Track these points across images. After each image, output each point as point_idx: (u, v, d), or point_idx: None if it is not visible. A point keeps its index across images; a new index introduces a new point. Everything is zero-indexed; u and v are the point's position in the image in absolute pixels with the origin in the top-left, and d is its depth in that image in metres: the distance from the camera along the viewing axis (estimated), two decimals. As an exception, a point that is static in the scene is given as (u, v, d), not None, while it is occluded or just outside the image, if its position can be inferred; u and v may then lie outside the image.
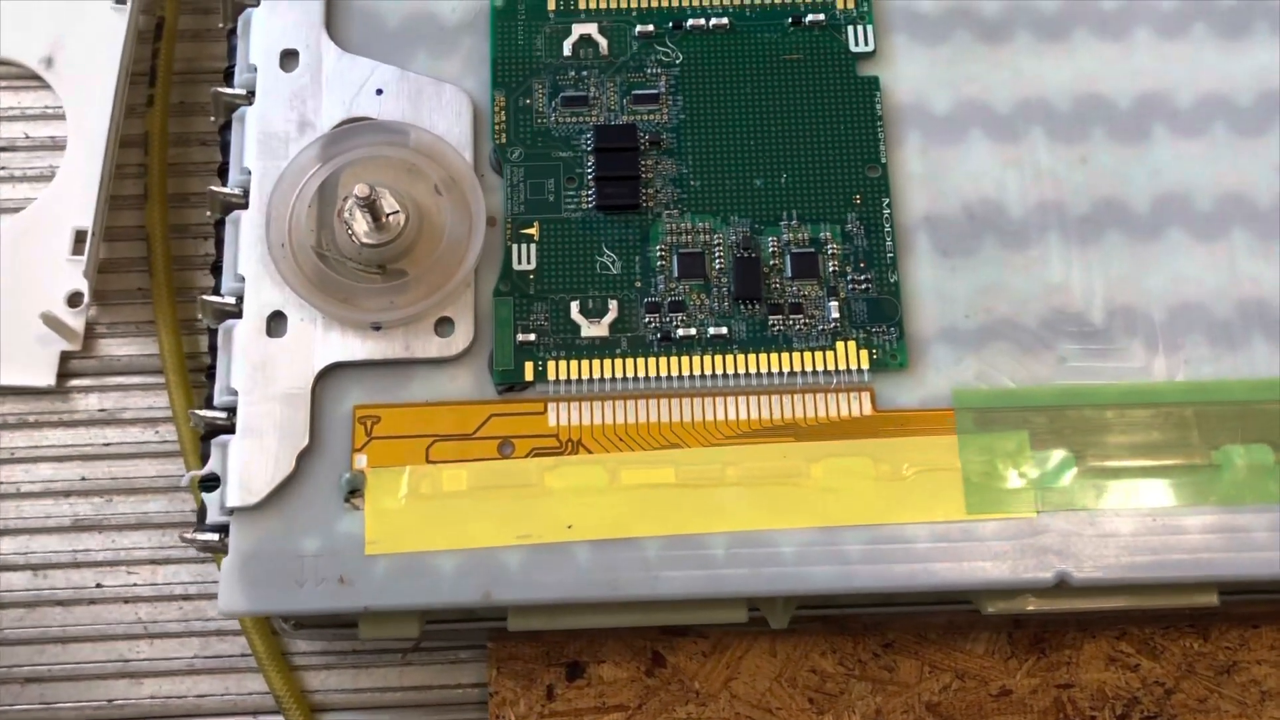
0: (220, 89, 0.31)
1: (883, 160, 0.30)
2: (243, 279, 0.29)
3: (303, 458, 0.28)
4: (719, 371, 0.29)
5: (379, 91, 0.30)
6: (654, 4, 0.31)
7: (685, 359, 0.29)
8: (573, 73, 0.31)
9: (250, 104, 0.30)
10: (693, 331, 0.29)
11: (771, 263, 0.30)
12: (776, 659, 0.32)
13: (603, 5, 0.31)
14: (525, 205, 0.30)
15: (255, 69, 0.30)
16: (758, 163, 0.30)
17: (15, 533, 0.33)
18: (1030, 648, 0.32)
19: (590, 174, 0.30)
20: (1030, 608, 0.29)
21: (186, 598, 0.33)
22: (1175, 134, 0.31)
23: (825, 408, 0.29)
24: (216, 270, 0.30)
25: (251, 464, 0.28)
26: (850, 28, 0.31)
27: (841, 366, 0.29)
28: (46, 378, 0.34)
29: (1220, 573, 0.28)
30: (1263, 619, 0.32)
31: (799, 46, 0.31)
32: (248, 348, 0.28)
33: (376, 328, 0.29)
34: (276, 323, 0.29)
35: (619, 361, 0.29)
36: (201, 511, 0.28)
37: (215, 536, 0.28)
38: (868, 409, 0.29)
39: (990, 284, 0.30)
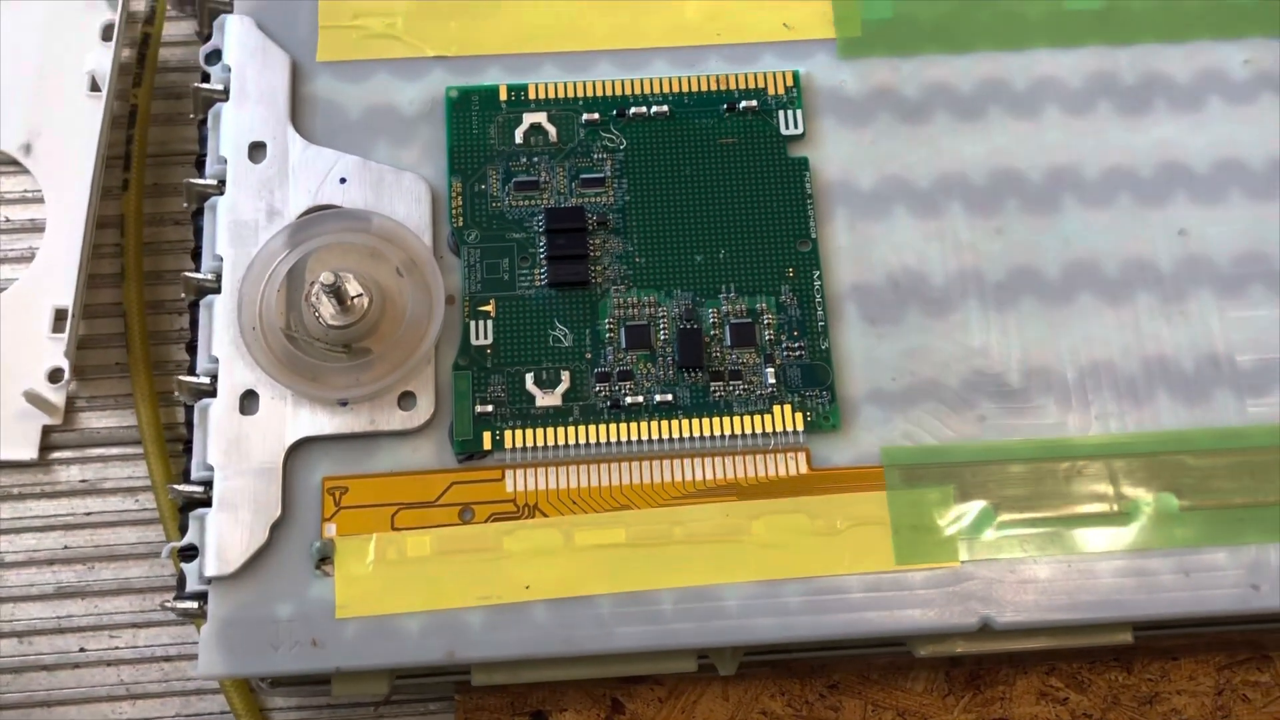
0: (192, 180, 0.33)
1: (813, 235, 0.32)
2: (217, 360, 0.31)
3: (276, 528, 0.30)
4: (665, 436, 0.31)
5: (343, 180, 0.32)
6: (599, 93, 0.33)
7: (634, 425, 0.31)
8: (524, 159, 0.33)
9: (221, 193, 0.32)
10: (640, 399, 0.31)
11: (712, 333, 0.32)
12: (729, 703, 0.34)
13: (551, 95, 0.33)
14: (482, 284, 0.32)
15: (225, 160, 0.32)
16: (698, 240, 0.32)
17: (0, 601, 0.35)
18: (966, 685, 0.34)
19: (542, 253, 0.32)
20: (959, 650, 0.31)
21: (167, 659, 0.34)
22: (1083, 205, 0.33)
23: (764, 468, 0.31)
24: (192, 349, 0.32)
25: (227, 535, 0.29)
26: (781, 112, 0.33)
27: (778, 429, 0.31)
28: (29, 451, 0.35)
29: (1131, 613, 0.30)
30: (1181, 651, 0.35)
31: (734, 131, 0.33)
32: (222, 425, 0.30)
33: (343, 403, 0.30)
34: (249, 401, 0.31)
35: (572, 429, 0.31)
36: (181, 580, 0.30)
37: (195, 604, 0.29)
38: (803, 468, 0.31)
39: (915, 348, 0.32)
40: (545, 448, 0.30)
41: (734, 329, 0.32)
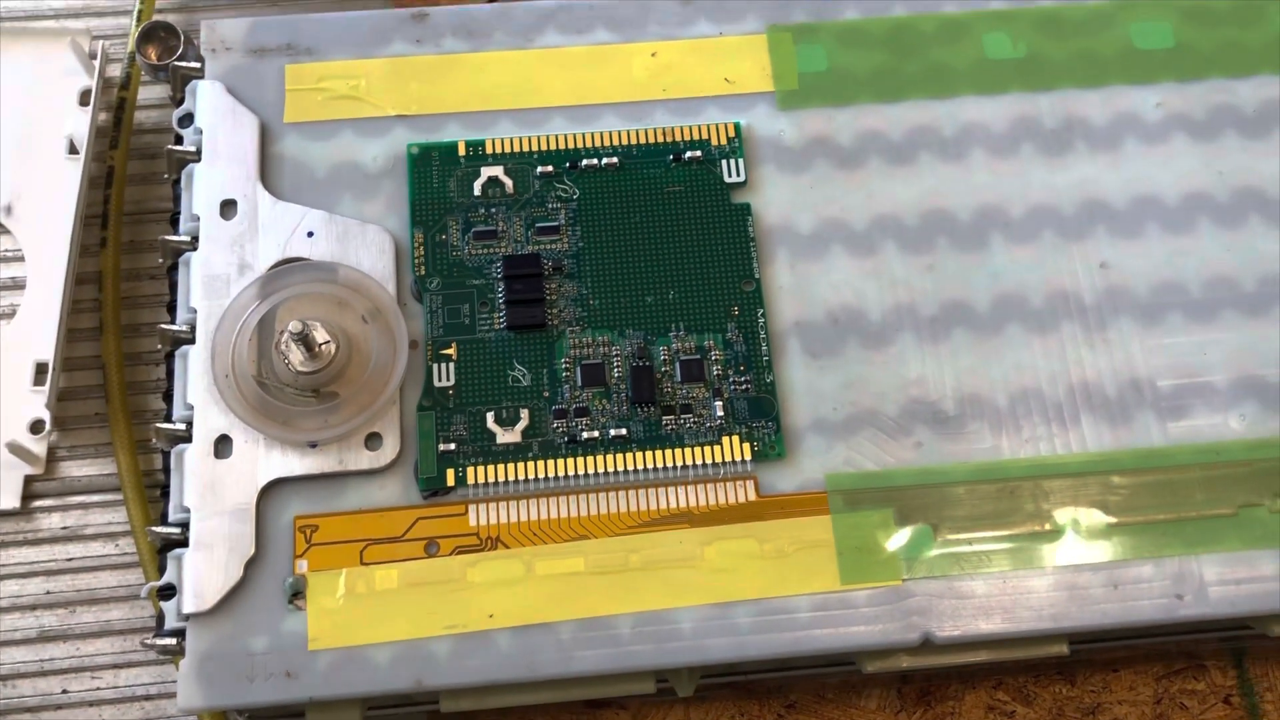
0: (167, 237, 0.34)
1: (756, 275, 0.34)
2: (191, 407, 0.32)
3: (250, 566, 0.31)
4: (620, 468, 0.32)
5: (310, 234, 0.34)
6: (552, 147, 0.35)
7: (590, 459, 0.32)
8: (483, 210, 0.35)
9: (195, 249, 0.34)
10: (596, 434, 0.33)
11: (663, 369, 0.33)
12: (690, 725, 0.35)
13: (507, 150, 0.35)
14: (444, 328, 0.34)
15: (198, 218, 0.34)
16: (648, 282, 0.34)
17: (-15, 646, 0.36)
18: (917, 701, 0.36)
19: (501, 298, 0.34)
20: (905, 665, 0.32)
21: (148, 698, 0.36)
22: (1010, 241, 0.35)
23: (714, 496, 0.32)
24: (168, 398, 0.33)
25: (204, 574, 0.31)
26: (724, 161, 0.35)
27: (727, 459, 0.33)
28: (12, 501, 0.37)
29: (1065, 625, 0.31)
30: (1121, 663, 0.36)
31: (680, 179, 0.35)
32: (198, 469, 0.32)
33: (313, 445, 0.32)
34: (223, 445, 0.32)
35: (531, 464, 0.32)
36: (160, 619, 0.31)
37: (173, 641, 0.31)
38: (752, 495, 0.32)
39: (854, 380, 0.34)
40: (506, 482, 0.32)
41: (684, 365, 0.33)
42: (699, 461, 0.32)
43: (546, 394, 0.33)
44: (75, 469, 0.38)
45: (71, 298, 0.38)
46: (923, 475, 0.33)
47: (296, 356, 0.31)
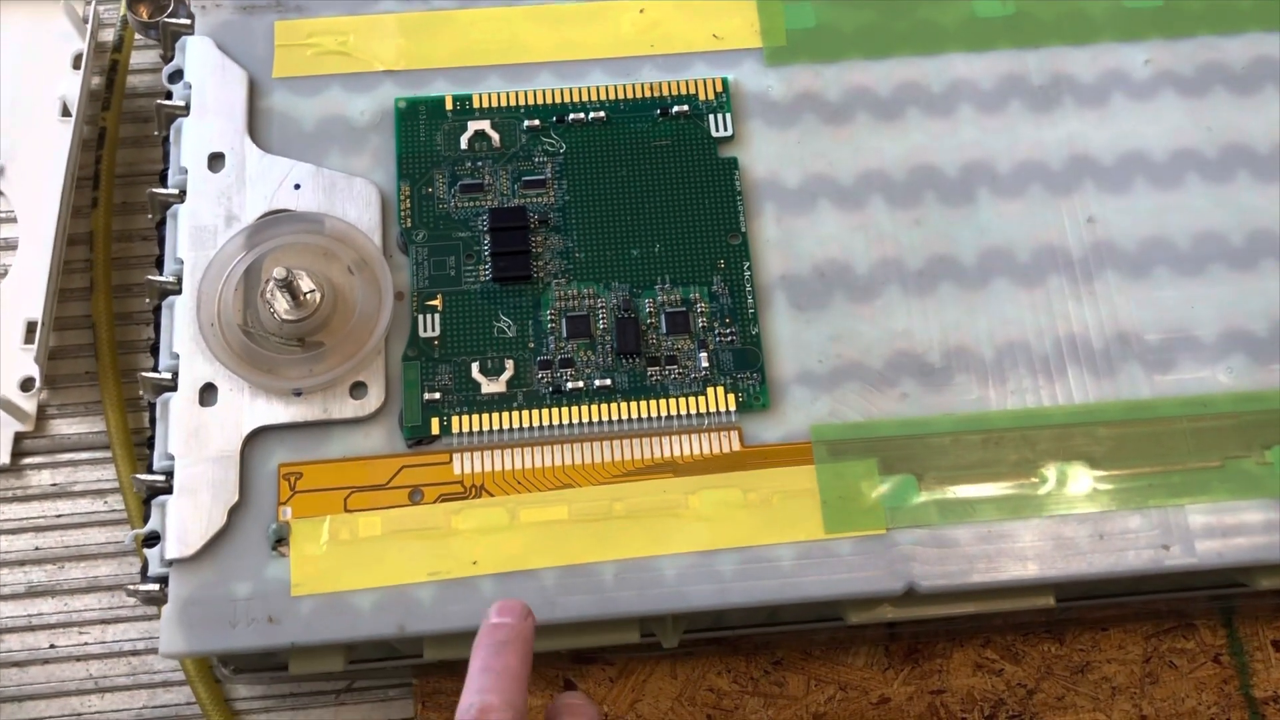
0: (155, 190, 0.34)
1: (743, 229, 0.34)
2: (177, 356, 0.32)
3: (234, 512, 0.31)
4: (605, 418, 0.32)
5: (297, 186, 0.34)
6: (539, 101, 0.35)
7: (575, 409, 0.32)
8: (469, 163, 0.35)
9: (182, 201, 0.34)
10: (581, 384, 0.33)
11: (649, 321, 0.33)
12: (677, 680, 0.35)
13: (494, 104, 0.35)
14: (429, 280, 0.34)
15: (186, 171, 0.34)
16: (634, 235, 0.34)
17: (-27, 601, 0.36)
18: (905, 658, 0.36)
19: (487, 251, 0.34)
20: (890, 615, 0.32)
21: (135, 653, 0.36)
22: (997, 196, 0.35)
23: (699, 446, 0.32)
24: (155, 351, 0.34)
25: (187, 520, 0.31)
26: (711, 116, 0.35)
27: (712, 409, 0.32)
28: (2, 457, 0.37)
29: (1050, 575, 0.31)
30: (1110, 621, 0.36)
31: (667, 134, 0.35)
32: (183, 416, 0.32)
33: (298, 394, 0.32)
34: (208, 393, 0.32)
35: (516, 414, 0.32)
36: (144, 566, 0.31)
37: (156, 587, 0.31)
38: (736, 445, 0.32)
39: (840, 333, 0.34)
40: (491, 432, 0.32)
41: (669, 317, 0.33)
42: (684, 412, 0.32)
43: (531, 345, 0.33)
44: (65, 426, 0.38)
45: (63, 258, 0.38)
46: (908, 426, 0.33)
47: (281, 304, 0.32)
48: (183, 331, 0.33)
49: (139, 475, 0.32)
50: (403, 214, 0.34)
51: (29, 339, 0.37)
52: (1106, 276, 0.34)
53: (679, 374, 0.33)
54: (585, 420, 0.32)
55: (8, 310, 0.38)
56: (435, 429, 0.32)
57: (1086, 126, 0.36)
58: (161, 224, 0.35)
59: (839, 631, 0.35)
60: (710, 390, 0.33)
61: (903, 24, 0.37)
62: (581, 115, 0.35)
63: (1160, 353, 0.34)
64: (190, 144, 0.34)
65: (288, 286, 0.31)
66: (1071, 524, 0.32)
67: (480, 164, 0.35)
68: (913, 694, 0.35)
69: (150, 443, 0.33)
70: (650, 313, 0.33)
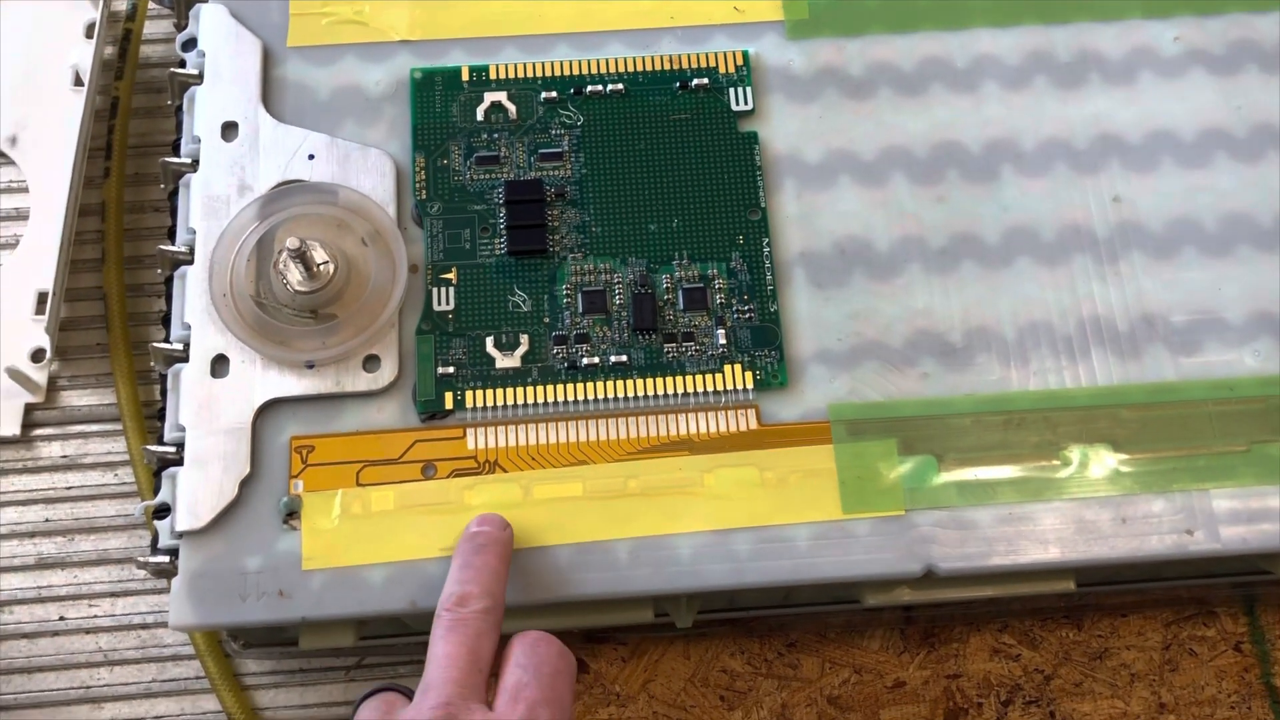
0: (168, 159, 0.34)
1: (762, 205, 0.34)
2: (189, 327, 0.32)
3: (245, 485, 0.31)
4: (620, 395, 0.32)
5: (311, 157, 0.34)
6: (557, 73, 0.35)
7: (590, 385, 0.32)
8: (485, 135, 0.34)
9: (195, 171, 0.34)
10: (596, 360, 0.32)
11: (665, 297, 0.33)
12: (690, 661, 0.35)
13: (511, 75, 0.35)
14: (444, 253, 0.33)
15: (199, 140, 0.34)
16: (652, 210, 0.34)
17: (-17, 572, 0.36)
18: (921, 642, 0.35)
19: (502, 224, 0.33)
20: (907, 598, 0.32)
21: (144, 626, 0.35)
22: (1021, 174, 0.34)
23: (715, 424, 0.32)
24: (167, 322, 0.33)
25: (198, 492, 0.31)
26: (732, 89, 0.35)
27: (729, 387, 0.32)
28: (12, 428, 0.37)
29: (1072, 559, 0.31)
30: (1130, 608, 0.36)
31: (686, 107, 0.35)
32: (194, 388, 0.31)
33: (310, 366, 0.32)
34: (220, 365, 0.32)
35: (530, 389, 0.32)
36: (154, 538, 0.31)
37: (166, 559, 0.31)
38: (753, 424, 0.32)
39: (860, 310, 0.33)
40: (505, 407, 0.32)
41: (686, 293, 0.33)
42: (700, 389, 0.32)
43: (547, 320, 0.33)
44: (75, 398, 0.38)
45: (74, 228, 0.38)
46: (928, 406, 0.32)
47: (294, 275, 0.31)
48: (195, 302, 0.32)
49: (150, 447, 0.31)
50: (418, 186, 0.34)
51: (40, 310, 0.37)
52: (1132, 257, 0.34)
53: (696, 351, 0.32)
54: (600, 396, 0.32)
55: (19, 281, 0.38)
56: (449, 403, 0.32)
57: (1113, 104, 0.35)
58: (174, 193, 0.34)
59: (854, 614, 0.35)
60: (727, 368, 0.32)
61: (927, -2, 0.36)
62: (600, 87, 0.35)
63: (1186, 334, 0.33)
64: (203, 113, 0.34)
65: (301, 257, 0.31)
66: (1094, 507, 0.31)
67: (496, 136, 0.34)
68: (928, 678, 0.35)
69: (161, 415, 0.32)
70: (667, 288, 0.33)
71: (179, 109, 0.35)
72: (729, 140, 0.34)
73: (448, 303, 0.33)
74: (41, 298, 0.37)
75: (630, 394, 0.32)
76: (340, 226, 0.33)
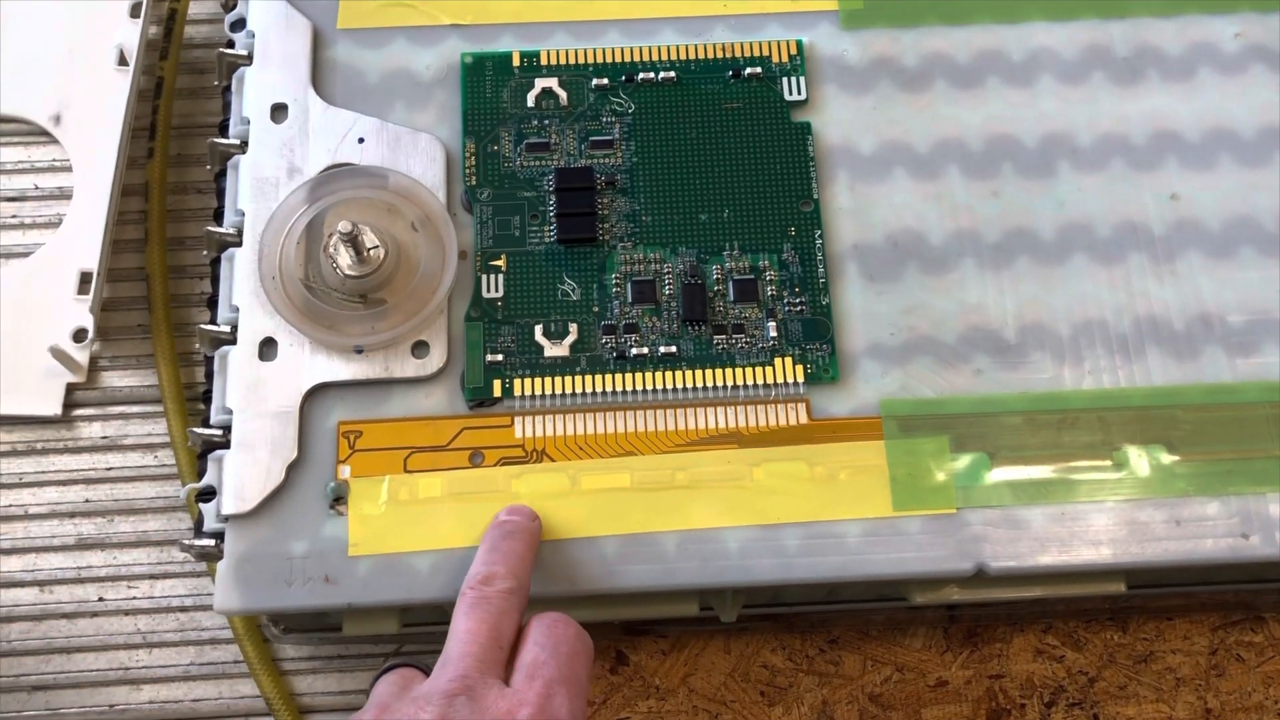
0: (216, 140, 0.34)
1: (815, 196, 0.33)
2: (237, 309, 0.32)
3: (292, 469, 0.31)
4: (669, 386, 0.32)
5: (361, 140, 0.33)
6: (608, 59, 0.35)
7: (639, 375, 0.32)
8: (536, 122, 0.34)
9: (244, 153, 0.33)
10: (645, 351, 0.32)
11: (716, 288, 0.33)
12: (730, 655, 0.35)
13: (562, 61, 0.35)
14: (494, 240, 0.33)
15: (248, 121, 0.34)
16: (703, 199, 0.33)
17: (23, 551, 0.36)
18: (964, 641, 0.35)
19: (552, 211, 0.33)
20: (955, 597, 0.32)
21: (183, 609, 0.35)
22: (1077, 170, 0.34)
23: (765, 417, 0.31)
24: (212, 304, 0.33)
25: (245, 475, 0.30)
26: (785, 79, 0.35)
27: (779, 380, 0.32)
28: (53, 407, 0.37)
29: (1124, 561, 0.31)
30: (1176, 611, 0.35)
31: (739, 96, 0.34)
32: (241, 370, 0.31)
33: (359, 351, 0.31)
34: (268, 348, 0.32)
35: (579, 378, 0.32)
36: (199, 521, 0.31)
37: (211, 543, 0.30)
38: (803, 418, 0.32)
39: (913, 305, 0.33)
40: (553, 396, 0.31)
41: (737, 284, 0.33)
42: (750, 382, 0.32)
43: (596, 309, 0.32)
44: (117, 379, 0.37)
45: (118, 208, 0.38)
46: (981, 403, 0.32)
47: (345, 259, 0.31)
48: (243, 284, 0.32)
49: (195, 429, 0.31)
50: (467, 171, 0.33)
51: (83, 290, 0.37)
52: (1189, 255, 0.33)
53: (746, 343, 0.32)
54: (649, 387, 0.32)
55: (62, 260, 0.37)
56: (497, 391, 0.31)
57: (1172, 100, 0.35)
58: (221, 175, 0.34)
59: (897, 612, 0.34)
60: (778, 361, 0.32)
61: (983, -10, 0.36)
62: (651, 75, 0.34)
63: (1243, 335, 0.32)
64: (252, 94, 0.34)
65: (352, 241, 0.31)
66: (1147, 509, 0.31)
67: (547, 122, 0.34)
68: (971, 678, 0.35)
69: (205, 397, 0.32)
70: (718, 280, 0.33)
71: (226, 89, 0.35)
72: (781, 130, 0.34)
73: (497, 290, 0.32)
74: (84, 278, 0.37)
75: (679, 385, 0.32)
76: (390, 211, 0.32)
